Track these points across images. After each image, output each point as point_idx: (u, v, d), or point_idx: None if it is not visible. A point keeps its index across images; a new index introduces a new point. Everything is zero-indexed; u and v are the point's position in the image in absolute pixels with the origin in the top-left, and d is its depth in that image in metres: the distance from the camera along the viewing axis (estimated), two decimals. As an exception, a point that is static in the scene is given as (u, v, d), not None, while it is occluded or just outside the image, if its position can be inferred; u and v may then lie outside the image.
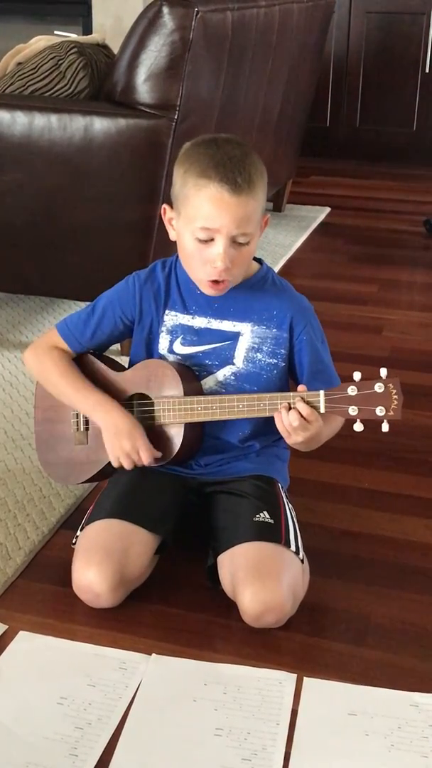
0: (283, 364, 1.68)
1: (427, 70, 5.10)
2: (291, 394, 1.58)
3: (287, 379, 1.71)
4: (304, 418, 1.54)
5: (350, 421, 1.56)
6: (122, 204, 2.39)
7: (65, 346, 1.75)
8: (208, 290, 1.62)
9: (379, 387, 1.54)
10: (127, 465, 1.65)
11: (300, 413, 1.54)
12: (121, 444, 1.64)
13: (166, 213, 1.65)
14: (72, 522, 1.83)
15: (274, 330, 1.67)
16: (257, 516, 1.62)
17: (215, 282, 1.59)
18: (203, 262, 1.58)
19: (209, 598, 1.64)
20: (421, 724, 1.38)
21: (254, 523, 1.61)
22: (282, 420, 1.56)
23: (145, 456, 1.63)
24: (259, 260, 1.71)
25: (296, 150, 4.26)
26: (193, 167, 1.55)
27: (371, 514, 1.92)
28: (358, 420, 1.55)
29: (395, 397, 1.53)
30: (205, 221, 1.54)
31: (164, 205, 1.65)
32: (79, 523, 1.71)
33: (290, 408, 1.55)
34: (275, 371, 1.68)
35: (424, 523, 1.89)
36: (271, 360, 1.68)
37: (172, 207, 1.63)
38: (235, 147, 1.57)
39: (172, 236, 1.65)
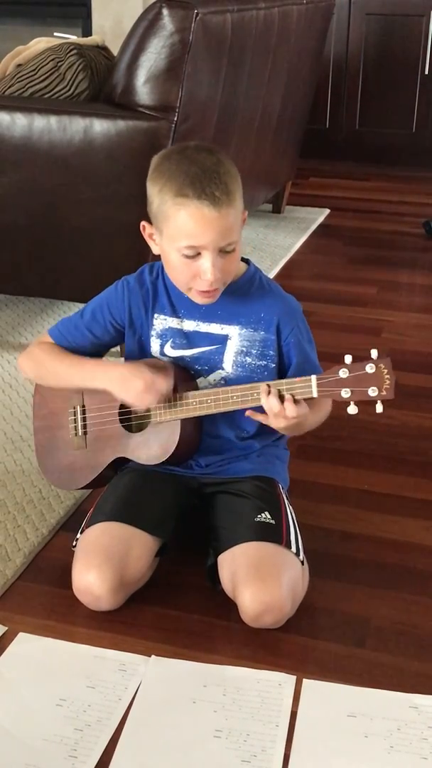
0: (273, 365, 1.68)
1: (426, 72, 5.10)
2: (283, 381, 1.57)
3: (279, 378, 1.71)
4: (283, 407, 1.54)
5: (344, 404, 1.54)
6: (122, 205, 2.39)
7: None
8: (199, 300, 1.62)
9: (370, 368, 1.53)
10: (153, 401, 1.61)
11: (284, 404, 1.54)
12: (135, 387, 1.61)
13: (146, 229, 1.64)
14: (71, 524, 1.83)
15: (261, 332, 1.67)
16: (258, 516, 1.62)
17: (205, 291, 1.59)
18: (192, 276, 1.57)
19: (209, 599, 1.64)
20: (421, 726, 1.38)
21: (255, 523, 1.61)
22: (264, 405, 1.55)
23: (162, 382, 1.60)
24: (246, 260, 1.71)
25: (296, 151, 4.26)
26: (169, 185, 1.53)
27: (371, 516, 1.92)
28: (351, 402, 1.54)
29: (387, 376, 1.52)
30: (189, 240, 1.53)
31: (143, 223, 1.64)
32: (78, 525, 1.71)
33: (279, 396, 1.54)
34: (266, 373, 1.68)
35: (425, 524, 1.89)
36: (260, 362, 1.68)
37: (150, 222, 1.62)
38: (207, 155, 1.55)
39: (155, 251, 1.64)
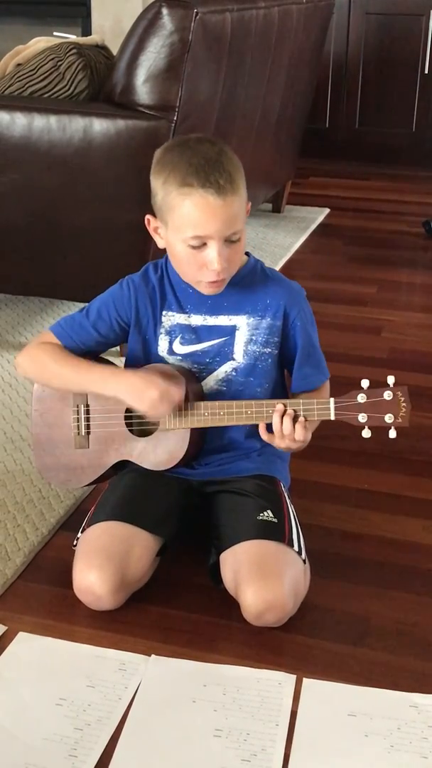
0: (276, 351, 1.69)
1: (426, 71, 5.10)
2: (301, 401, 1.59)
3: (280, 365, 1.72)
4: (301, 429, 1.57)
5: (359, 428, 1.57)
6: (121, 205, 2.39)
7: (59, 343, 1.74)
8: (206, 291, 1.62)
9: (388, 395, 1.55)
10: (167, 410, 1.61)
11: (294, 426, 1.57)
12: (149, 397, 1.60)
13: (151, 223, 1.64)
14: (71, 523, 1.83)
15: (268, 319, 1.68)
16: (261, 515, 1.62)
17: (213, 282, 1.59)
18: (199, 267, 1.57)
19: (209, 599, 1.64)
20: (421, 725, 1.38)
21: (258, 521, 1.61)
22: (275, 426, 1.58)
23: (177, 392, 1.60)
24: (245, 253, 1.71)
25: (296, 151, 4.26)
26: (173, 176, 1.53)
27: (371, 516, 1.92)
28: (366, 427, 1.56)
29: (404, 404, 1.56)
30: (195, 229, 1.53)
31: (147, 216, 1.64)
32: (78, 525, 1.71)
33: (284, 414, 1.57)
34: (270, 360, 1.69)
35: (425, 524, 1.89)
36: (265, 349, 1.68)
37: (155, 216, 1.62)
38: (209, 146, 1.56)
39: (160, 244, 1.64)
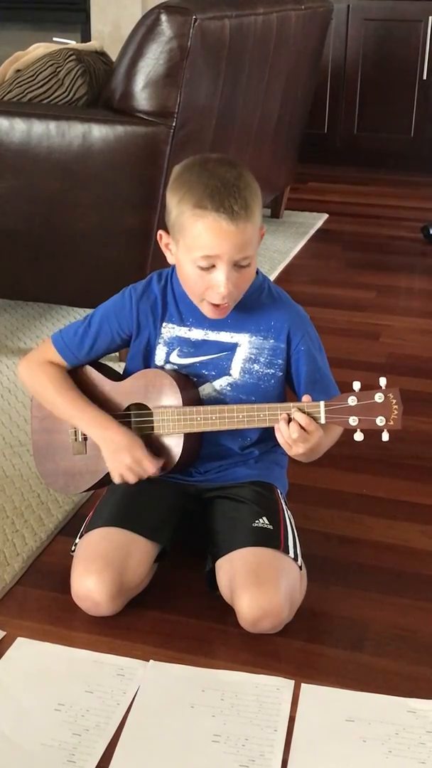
0: (281, 373, 1.68)
1: (424, 77, 5.11)
2: (291, 404, 1.58)
3: (285, 388, 1.71)
4: (304, 429, 1.54)
5: (350, 431, 1.56)
6: (120, 211, 2.40)
7: (60, 360, 1.73)
8: (210, 314, 1.61)
9: (379, 397, 1.54)
10: (131, 479, 1.64)
11: (299, 424, 1.54)
12: (122, 459, 1.63)
13: (162, 239, 1.63)
14: (70, 528, 1.83)
15: (271, 341, 1.67)
16: (256, 522, 1.62)
17: (217, 305, 1.59)
18: (205, 287, 1.57)
19: (207, 604, 1.64)
20: (419, 730, 1.38)
21: (253, 528, 1.61)
22: (282, 432, 1.55)
23: (149, 467, 1.62)
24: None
25: (294, 156, 4.26)
26: (188, 196, 1.53)
27: (369, 521, 1.92)
28: (358, 430, 1.55)
29: (395, 407, 1.54)
30: (205, 251, 1.53)
31: (160, 232, 1.63)
32: (77, 530, 1.71)
33: (290, 420, 1.55)
34: (273, 381, 1.68)
35: (422, 529, 1.89)
36: (268, 370, 1.68)
37: (167, 232, 1.62)
38: (228, 169, 1.55)
39: (170, 260, 1.64)
